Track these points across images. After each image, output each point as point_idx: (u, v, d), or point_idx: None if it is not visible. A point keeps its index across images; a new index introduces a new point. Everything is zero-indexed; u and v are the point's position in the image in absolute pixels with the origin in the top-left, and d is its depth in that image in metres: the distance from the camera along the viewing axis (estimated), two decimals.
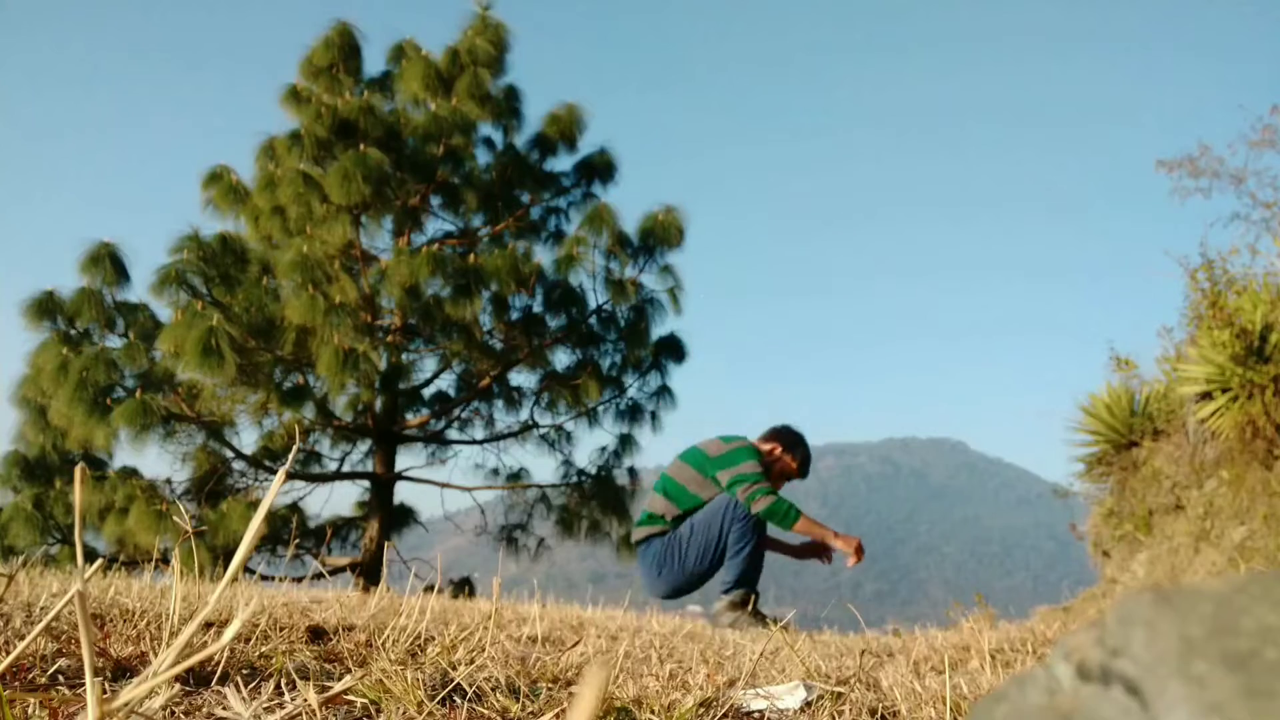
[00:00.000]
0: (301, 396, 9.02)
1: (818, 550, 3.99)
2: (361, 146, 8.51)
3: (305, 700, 1.00)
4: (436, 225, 10.12)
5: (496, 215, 9.96)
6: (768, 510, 3.61)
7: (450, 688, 1.18)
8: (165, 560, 7.83)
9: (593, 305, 9.85)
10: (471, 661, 1.35)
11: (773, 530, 3.79)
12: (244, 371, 8.39)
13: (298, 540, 9.41)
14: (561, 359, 10.14)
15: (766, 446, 3.95)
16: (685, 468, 3.86)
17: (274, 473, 9.50)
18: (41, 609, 1.57)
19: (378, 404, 9.74)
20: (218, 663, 1.19)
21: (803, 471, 4.00)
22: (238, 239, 9.14)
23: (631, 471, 10.34)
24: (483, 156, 10.03)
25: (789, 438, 3.98)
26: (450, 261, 8.67)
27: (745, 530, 3.63)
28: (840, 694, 1.37)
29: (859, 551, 3.74)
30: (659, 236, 9.60)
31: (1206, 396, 5.23)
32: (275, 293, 8.61)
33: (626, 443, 10.26)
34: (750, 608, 3.65)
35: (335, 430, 9.73)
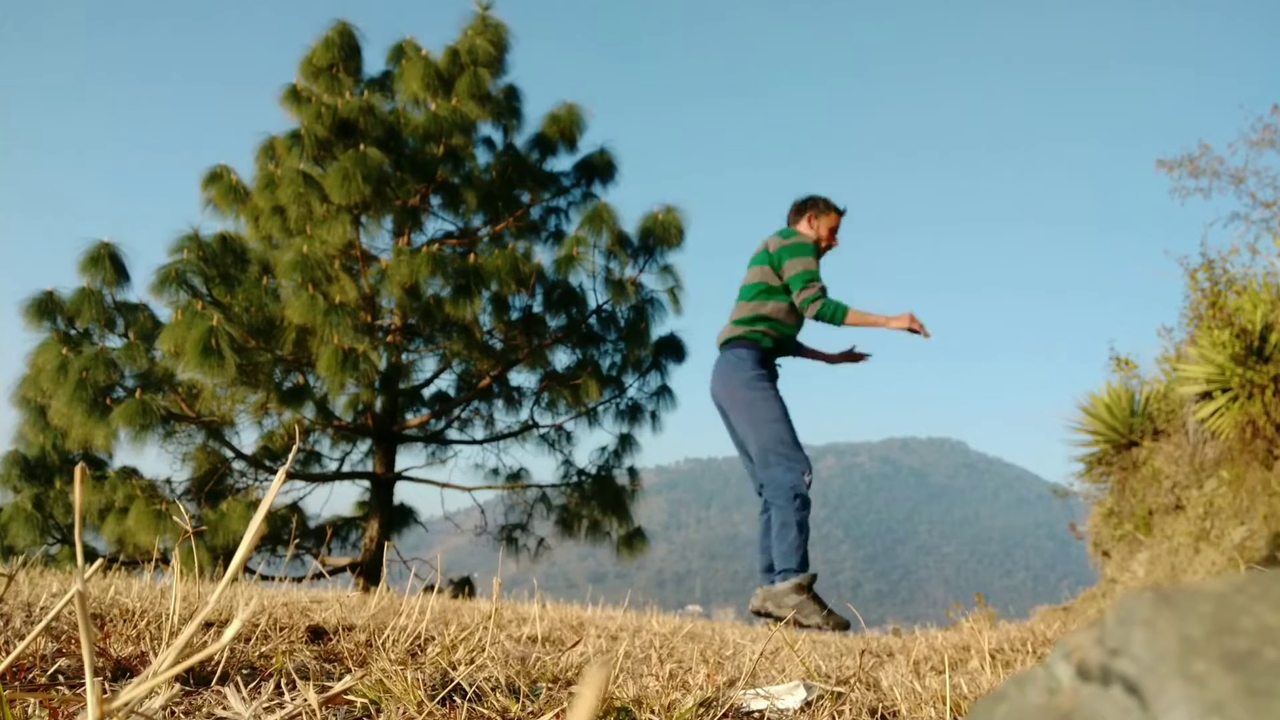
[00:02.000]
0: (301, 396, 9.03)
1: (852, 356, 3.97)
2: (361, 146, 8.51)
3: (305, 700, 1.00)
4: (436, 225, 10.13)
5: (496, 215, 9.96)
6: (818, 315, 3.61)
7: (450, 688, 1.18)
8: (165, 560, 7.83)
9: (593, 305, 9.85)
10: (471, 661, 1.35)
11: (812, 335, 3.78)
12: (244, 371, 8.38)
13: (298, 540, 9.41)
14: (561, 359, 10.15)
15: (808, 229, 3.92)
16: (753, 270, 3.85)
17: (274, 473, 9.50)
18: (41, 609, 1.57)
19: (378, 404, 9.74)
20: (218, 663, 1.19)
21: (840, 211, 3.98)
22: (238, 239, 9.14)
23: (632, 471, 10.34)
24: (483, 156, 10.04)
25: (811, 206, 3.97)
26: (450, 261, 8.67)
27: (799, 508, 3.50)
28: (840, 694, 1.37)
29: (913, 322, 3.65)
30: (659, 236, 9.60)
31: (1206, 396, 5.23)
32: (275, 293, 8.62)
33: (626, 443, 10.26)
34: (817, 598, 3.50)
35: (335, 430, 9.73)
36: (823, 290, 3.66)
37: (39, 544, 8.58)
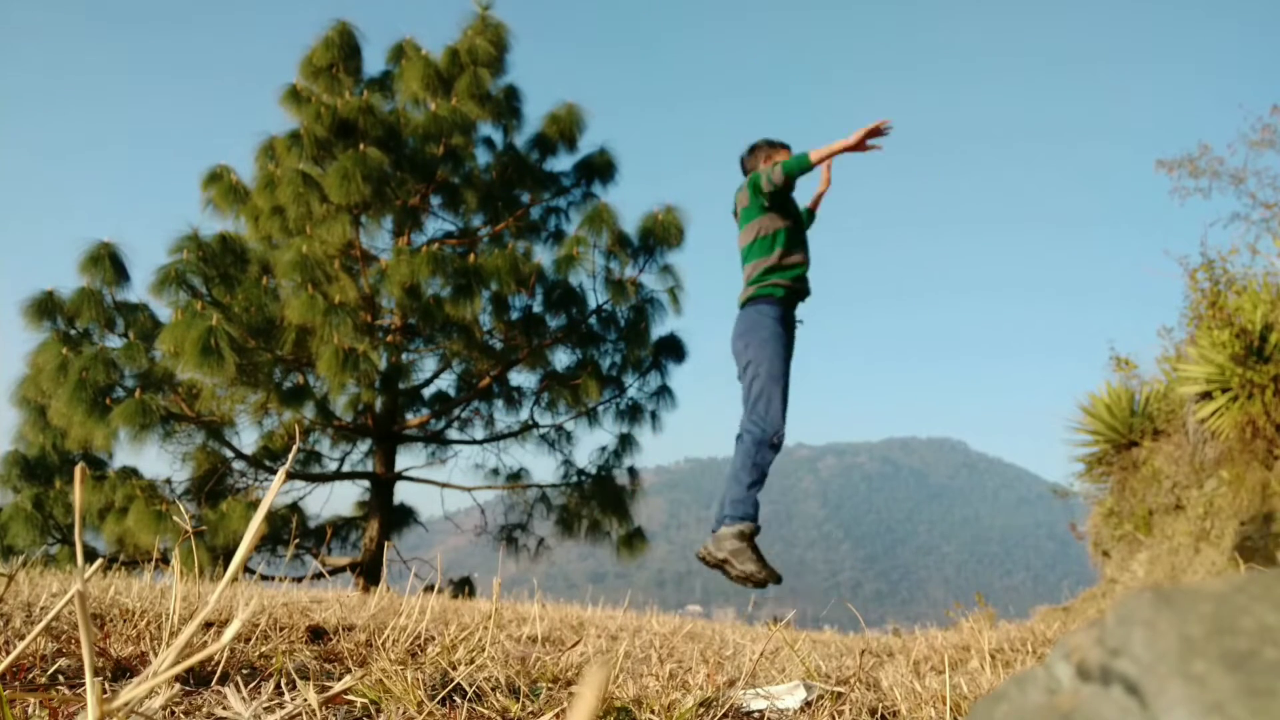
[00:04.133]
0: (301, 396, 9.03)
1: (873, 132, 3.74)
2: (361, 146, 8.51)
3: (305, 700, 1.00)
4: (436, 225, 10.13)
5: (496, 215, 9.96)
6: (786, 172, 3.63)
7: (450, 688, 1.18)
8: (165, 560, 7.83)
9: (593, 305, 9.85)
10: (471, 661, 1.35)
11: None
12: (244, 371, 8.38)
13: (298, 540, 9.41)
14: (561, 359, 10.15)
15: (765, 165, 3.99)
16: (743, 231, 3.90)
17: (274, 473, 9.50)
18: (41, 609, 1.57)
19: (378, 404, 9.74)
20: (218, 663, 1.19)
21: (786, 145, 4.06)
22: (237, 239, 9.14)
23: (631, 471, 10.35)
24: (483, 156, 10.04)
25: (761, 149, 4.05)
26: (450, 261, 8.67)
27: (762, 459, 3.53)
28: (840, 694, 1.37)
29: (870, 131, 3.60)
30: (659, 236, 9.60)
31: (1206, 396, 5.23)
32: (275, 293, 8.62)
33: (626, 442, 10.26)
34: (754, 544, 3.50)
35: (335, 430, 9.73)
36: (790, 159, 3.69)
37: (39, 544, 8.58)
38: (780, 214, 3.83)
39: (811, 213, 4.22)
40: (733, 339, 3.88)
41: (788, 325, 3.83)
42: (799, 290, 3.85)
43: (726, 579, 3.51)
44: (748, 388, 3.68)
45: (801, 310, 3.96)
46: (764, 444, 3.54)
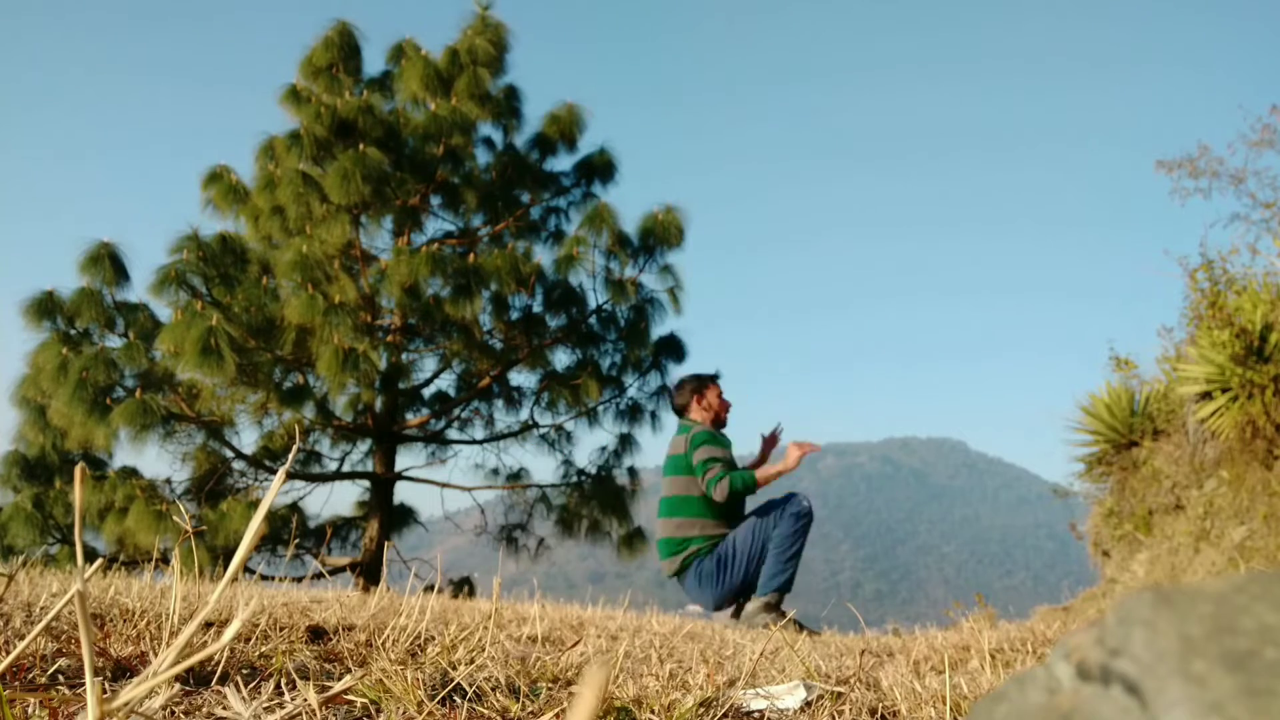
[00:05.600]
0: (301, 396, 9.03)
1: (772, 440, 4.19)
2: (361, 146, 8.52)
3: (305, 700, 1.00)
4: (436, 225, 10.13)
5: (496, 215, 9.96)
6: (731, 492, 3.81)
7: (450, 687, 1.18)
8: (165, 560, 7.84)
9: (593, 305, 9.85)
10: (471, 661, 1.35)
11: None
12: (244, 371, 8.39)
13: (298, 540, 9.41)
14: (561, 359, 10.15)
15: (700, 411, 4.17)
16: (670, 481, 4.08)
17: (274, 473, 9.50)
18: (41, 609, 1.57)
19: (378, 404, 9.75)
20: (218, 663, 1.19)
21: (715, 379, 4.29)
22: (237, 239, 9.14)
23: (631, 471, 10.35)
24: (483, 156, 10.04)
25: (688, 388, 4.22)
26: (450, 261, 8.68)
27: (795, 532, 3.77)
28: (840, 694, 1.37)
29: (803, 450, 3.90)
30: (659, 236, 9.60)
31: (1206, 396, 5.23)
32: (275, 293, 8.62)
33: (626, 442, 10.26)
34: (782, 612, 3.74)
35: (335, 430, 9.73)
36: (723, 468, 3.87)
37: (39, 544, 8.58)
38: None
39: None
40: (697, 593, 3.95)
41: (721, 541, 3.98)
42: (723, 533, 3.98)
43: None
44: (757, 550, 3.85)
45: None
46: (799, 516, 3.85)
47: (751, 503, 4.08)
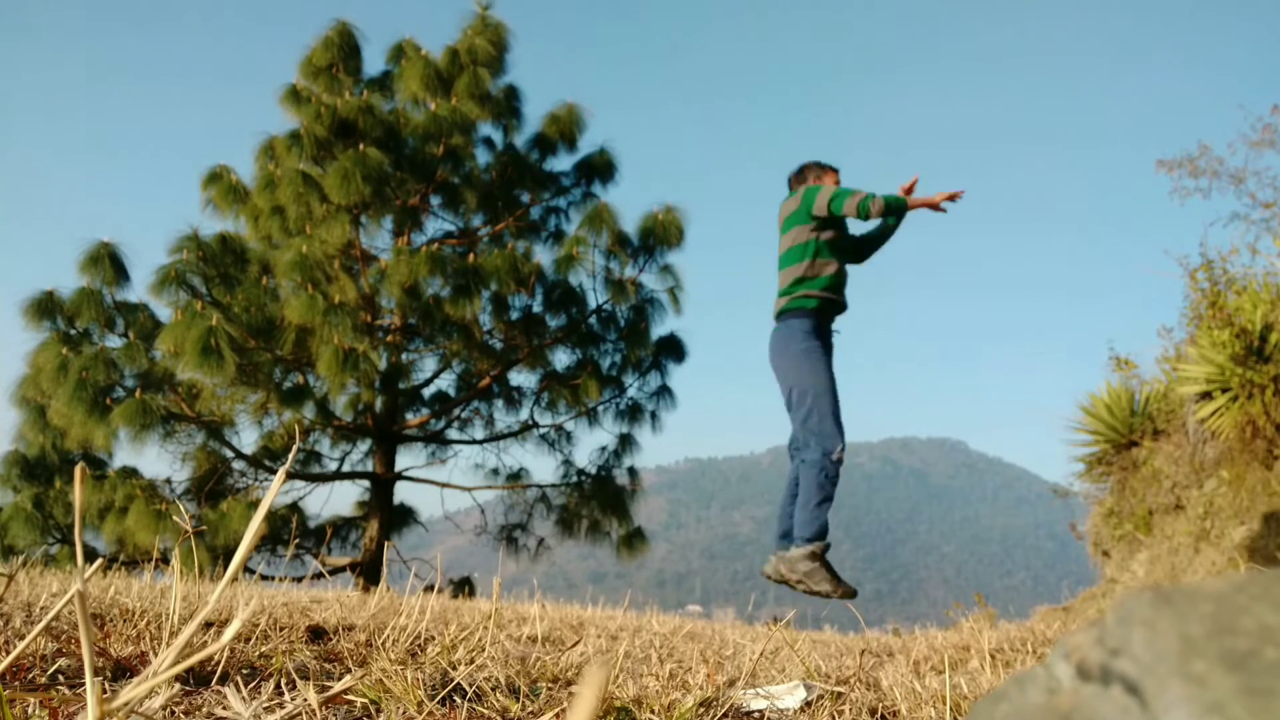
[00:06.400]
0: (301, 396, 9.03)
1: (936, 204, 3.94)
2: (361, 146, 8.51)
3: (305, 700, 1.00)
4: (436, 225, 10.13)
5: (496, 215, 9.96)
6: (885, 206, 3.63)
7: (450, 687, 1.18)
8: (165, 560, 7.83)
9: (593, 305, 9.85)
10: (471, 661, 1.35)
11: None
12: (244, 371, 8.39)
13: (298, 540, 9.41)
14: (561, 359, 10.15)
15: (821, 182, 4.01)
16: (784, 238, 3.90)
17: (274, 473, 9.50)
18: (41, 609, 1.57)
19: (378, 404, 9.75)
20: (218, 663, 1.19)
21: (836, 169, 4.11)
22: (237, 239, 9.14)
23: (631, 471, 10.35)
24: (482, 156, 10.04)
25: (810, 169, 4.07)
26: (450, 261, 8.67)
27: (821, 484, 3.56)
28: (840, 694, 1.37)
29: (947, 194, 3.80)
30: (659, 236, 9.60)
31: (1206, 396, 5.23)
32: (275, 293, 8.62)
33: (626, 442, 10.26)
34: (825, 561, 3.54)
35: (335, 430, 9.73)
36: (869, 193, 3.68)
37: (39, 544, 8.58)
38: (823, 228, 3.84)
39: (868, 241, 4.11)
40: (770, 359, 3.88)
41: (823, 337, 3.80)
42: (831, 301, 3.82)
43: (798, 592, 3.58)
44: (796, 408, 3.68)
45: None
46: (825, 462, 3.56)
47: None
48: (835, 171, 4.07)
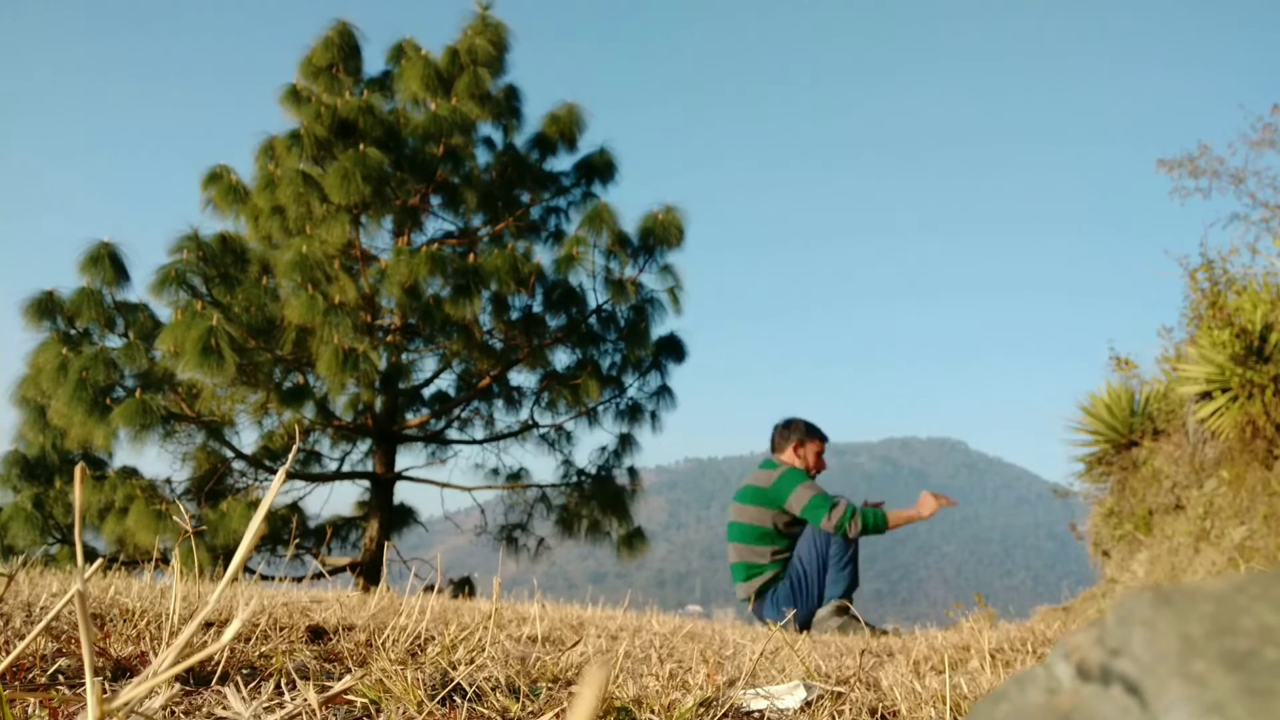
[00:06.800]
0: (301, 396, 9.03)
1: (923, 516, 4.18)
2: (361, 146, 8.51)
3: (305, 700, 1.00)
4: (436, 225, 10.13)
5: (496, 215, 9.96)
6: (861, 530, 3.85)
7: (450, 687, 1.18)
8: (165, 560, 7.83)
9: (593, 305, 9.85)
10: (471, 661, 1.35)
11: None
12: (244, 371, 8.39)
13: (298, 540, 9.41)
14: (561, 359, 10.15)
15: (795, 457, 4.10)
16: (745, 509, 4.05)
17: (274, 472, 9.50)
18: (41, 609, 1.57)
19: (378, 404, 9.75)
20: (218, 662, 1.19)
21: (823, 438, 4.20)
22: (237, 239, 9.14)
23: (632, 471, 10.35)
24: (483, 156, 10.04)
25: (796, 431, 4.16)
26: (450, 261, 8.68)
27: (846, 543, 3.86)
28: (840, 694, 1.37)
29: (936, 501, 4.01)
30: (659, 236, 9.60)
31: (1206, 396, 5.23)
32: (275, 293, 8.62)
33: (626, 442, 10.26)
34: (853, 615, 3.82)
35: (335, 430, 9.73)
36: (850, 506, 3.88)
37: (39, 544, 8.58)
38: (792, 522, 4.01)
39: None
40: (778, 615, 3.96)
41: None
42: (784, 563, 4.04)
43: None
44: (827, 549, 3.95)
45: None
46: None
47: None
48: (822, 441, 4.18)
